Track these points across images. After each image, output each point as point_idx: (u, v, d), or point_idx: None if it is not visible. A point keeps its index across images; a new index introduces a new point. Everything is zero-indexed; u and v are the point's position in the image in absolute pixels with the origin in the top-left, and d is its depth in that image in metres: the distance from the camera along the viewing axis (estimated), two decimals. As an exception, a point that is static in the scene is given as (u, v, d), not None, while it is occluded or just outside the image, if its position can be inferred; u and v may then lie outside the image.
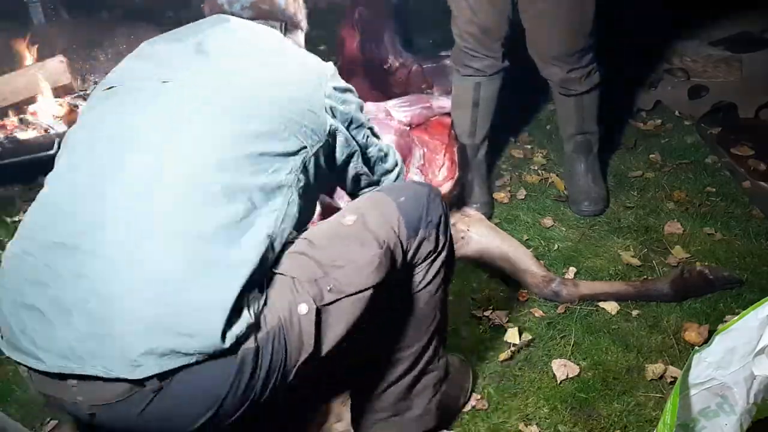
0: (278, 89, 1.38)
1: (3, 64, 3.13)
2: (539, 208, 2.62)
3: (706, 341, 1.47)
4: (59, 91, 3.06)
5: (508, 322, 2.10)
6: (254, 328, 1.17)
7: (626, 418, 1.79)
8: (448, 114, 2.63)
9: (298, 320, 1.23)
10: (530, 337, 2.04)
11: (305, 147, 1.36)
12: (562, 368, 1.93)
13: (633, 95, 3.25)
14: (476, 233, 2.30)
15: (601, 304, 2.14)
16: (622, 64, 3.26)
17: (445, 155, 2.39)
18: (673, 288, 2.13)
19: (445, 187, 2.30)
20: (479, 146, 2.64)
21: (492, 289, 2.25)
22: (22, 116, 2.92)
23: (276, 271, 1.27)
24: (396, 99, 2.63)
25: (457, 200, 2.44)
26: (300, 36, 1.72)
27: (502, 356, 1.98)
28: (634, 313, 2.11)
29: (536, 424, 1.79)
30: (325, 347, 1.28)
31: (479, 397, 1.85)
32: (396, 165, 1.73)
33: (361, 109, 1.59)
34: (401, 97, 2.71)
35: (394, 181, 1.71)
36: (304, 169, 1.36)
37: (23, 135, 2.82)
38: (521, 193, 2.71)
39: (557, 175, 2.79)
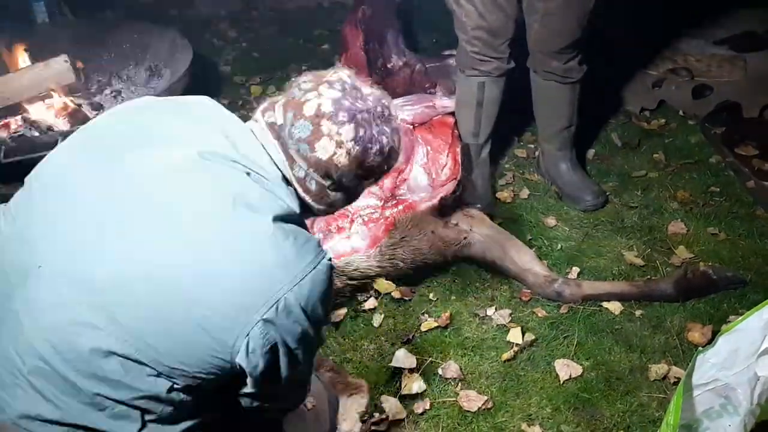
0: (173, 317, 1.07)
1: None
2: (542, 208, 2.62)
3: (710, 342, 1.46)
4: (63, 91, 3.07)
5: (510, 322, 2.10)
6: None
7: (629, 418, 1.79)
8: (452, 113, 2.62)
9: None
10: (533, 337, 2.03)
11: (175, 385, 1.12)
12: (565, 368, 1.93)
13: (637, 94, 3.24)
14: (479, 233, 2.30)
15: (605, 305, 2.13)
16: (626, 64, 3.26)
17: (448, 155, 2.38)
18: (676, 288, 2.13)
19: (448, 188, 2.30)
20: (483, 146, 2.64)
21: (494, 289, 2.25)
22: (25, 115, 2.92)
23: None
24: (399, 98, 2.62)
25: (460, 200, 2.44)
26: (340, 200, 1.32)
27: (505, 356, 1.98)
28: (638, 313, 2.11)
29: (539, 424, 1.79)
30: None
31: (484, 397, 1.85)
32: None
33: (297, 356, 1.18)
34: (404, 96, 2.71)
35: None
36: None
37: (27, 133, 2.83)
38: (524, 193, 2.70)
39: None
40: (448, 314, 2.12)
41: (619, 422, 1.79)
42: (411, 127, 2.45)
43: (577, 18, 2.33)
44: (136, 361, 1.08)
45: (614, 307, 2.12)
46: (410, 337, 2.06)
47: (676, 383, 1.85)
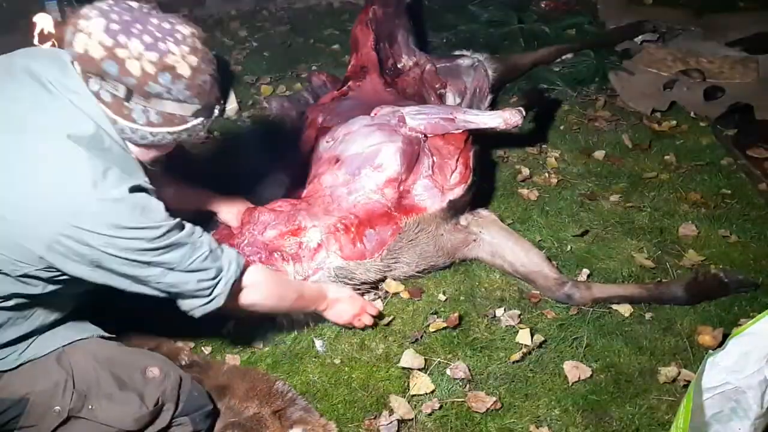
0: None
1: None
2: (552, 210, 2.61)
3: (720, 345, 1.46)
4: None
5: (519, 323, 2.10)
6: None
7: (638, 421, 1.79)
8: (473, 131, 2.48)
9: (45, 411, 1.37)
10: (542, 339, 2.03)
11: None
12: (574, 370, 1.92)
13: (648, 96, 3.22)
14: (488, 235, 2.30)
15: (614, 307, 2.13)
16: (636, 64, 3.25)
17: (458, 160, 2.32)
18: (687, 291, 2.12)
19: (457, 192, 2.27)
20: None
21: (504, 290, 2.24)
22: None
23: (61, 358, 1.40)
24: (416, 106, 2.49)
25: (471, 202, 2.43)
26: (142, 113, 1.32)
27: (514, 357, 1.97)
28: (648, 315, 2.10)
29: (547, 425, 1.79)
30: None
31: (493, 398, 1.85)
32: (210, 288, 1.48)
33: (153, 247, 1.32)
34: (414, 97, 2.67)
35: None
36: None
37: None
38: (534, 194, 2.69)
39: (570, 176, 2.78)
40: (456, 315, 2.12)
41: (628, 425, 1.78)
42: (421, 136, 2.36)
43: None
44: None
45: (624, 309, 2.12)
46: (419, 337, 2.06)
47: (686, 386, 1.84)
